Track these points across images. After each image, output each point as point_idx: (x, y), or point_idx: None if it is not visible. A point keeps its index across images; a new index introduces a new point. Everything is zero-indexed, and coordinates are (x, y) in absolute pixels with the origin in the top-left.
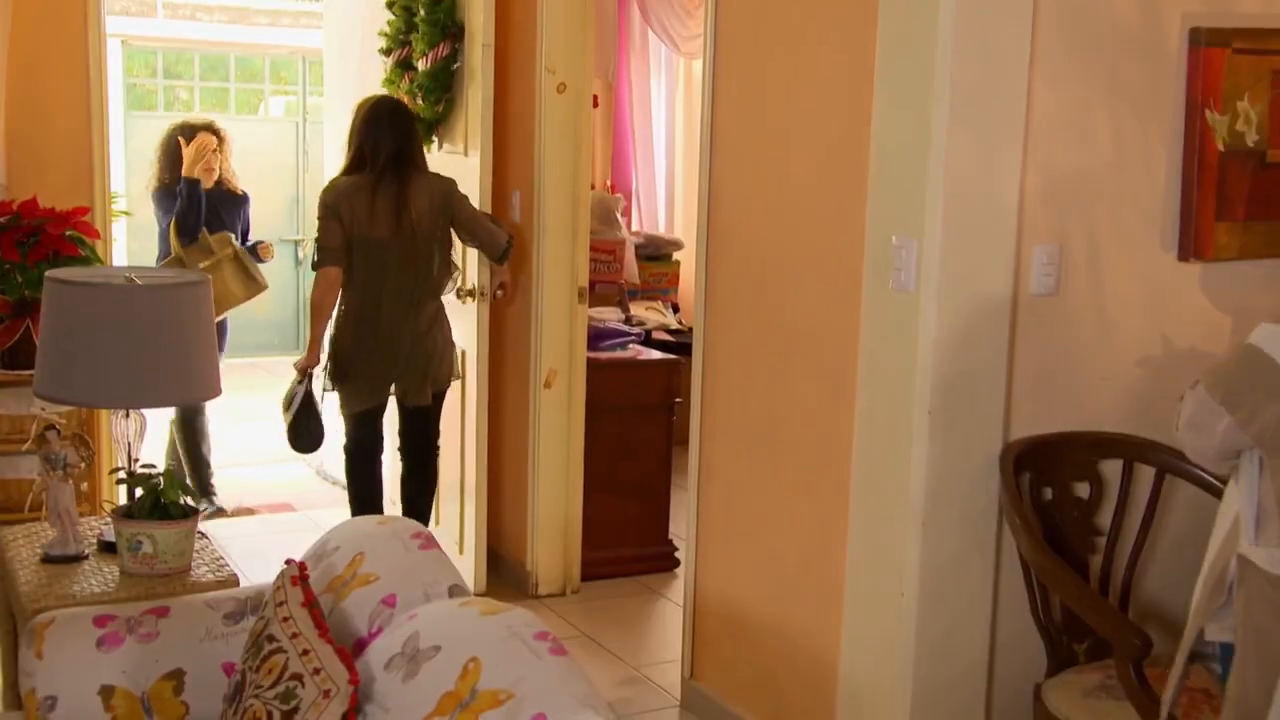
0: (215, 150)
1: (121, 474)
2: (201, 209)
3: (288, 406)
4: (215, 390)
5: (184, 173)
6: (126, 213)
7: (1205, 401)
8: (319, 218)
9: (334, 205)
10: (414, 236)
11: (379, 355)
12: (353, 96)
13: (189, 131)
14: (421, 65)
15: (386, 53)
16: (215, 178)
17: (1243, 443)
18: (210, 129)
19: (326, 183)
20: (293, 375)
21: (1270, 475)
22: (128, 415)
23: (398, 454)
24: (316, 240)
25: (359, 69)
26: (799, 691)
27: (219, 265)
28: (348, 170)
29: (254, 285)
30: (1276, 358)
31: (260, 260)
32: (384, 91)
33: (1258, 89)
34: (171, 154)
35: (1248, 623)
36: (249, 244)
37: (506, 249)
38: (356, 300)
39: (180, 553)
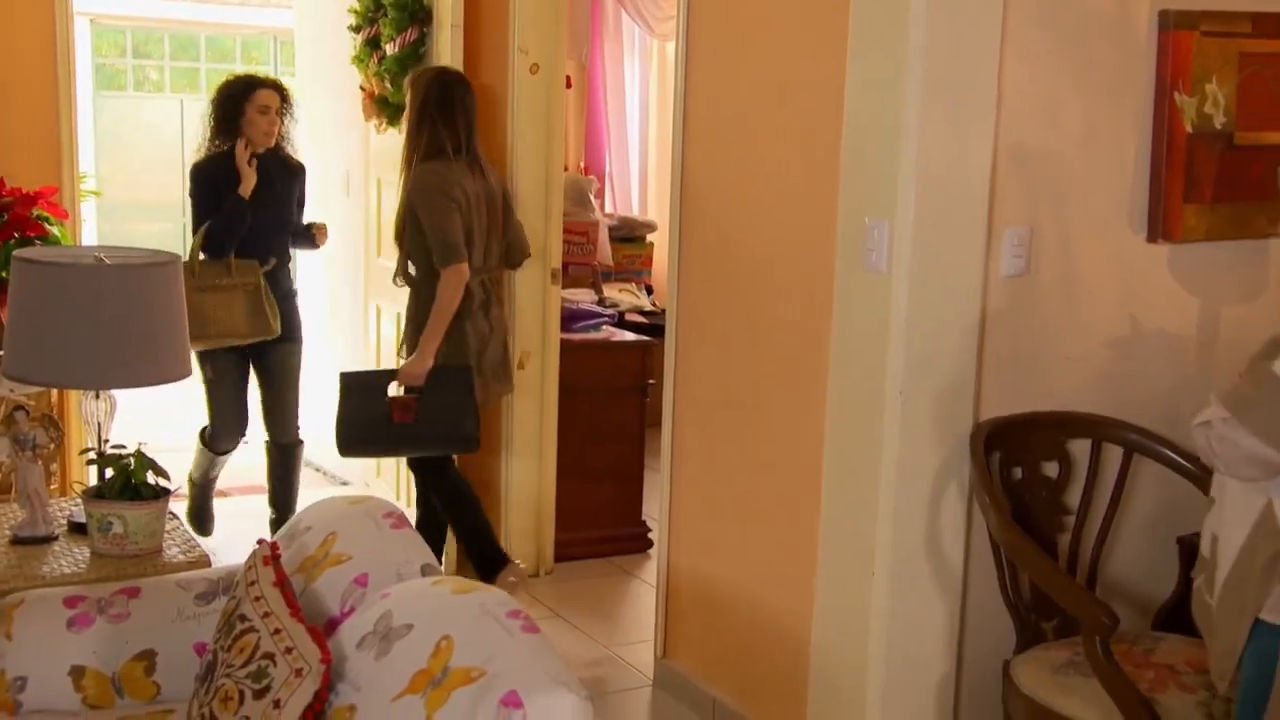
0: (278, 111)
1: (91, 455)
2: (244, 224)
3: (411, 417)
4: (185, 370)
5: (240, 191)
6: (95, 192)
7: (1256, 445)
8: (434, 209)
9: (451, 192)
10: (502, 225)
11: (495, 344)
12: (325, 77)
13: (256, 84)
14: (390, 50)
15: (356, 29)
16: (273, 141)
17: None
18: (275, 86)
19: (416, 169)
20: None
21: None
22: (97, 396)
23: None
24: (440, 233)
25: (331, 50)
26: (771, 670)
27: (232, 290)
28: (430, 154)
29: (263, 325)
30: None
31: (314, 245)
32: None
33: (1225, 71)
34: (224, 120)
35: None
36: (304, 225)
37: (523, 258)
38: (472, 290)
39: (151, 533)
